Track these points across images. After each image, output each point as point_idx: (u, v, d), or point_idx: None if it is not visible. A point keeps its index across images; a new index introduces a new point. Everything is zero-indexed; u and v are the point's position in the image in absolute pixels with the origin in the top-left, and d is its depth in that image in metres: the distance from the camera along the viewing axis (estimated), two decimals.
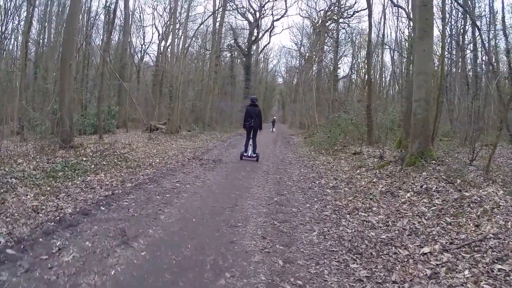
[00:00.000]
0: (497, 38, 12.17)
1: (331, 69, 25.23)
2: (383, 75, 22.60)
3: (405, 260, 3.02)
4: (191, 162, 8.07)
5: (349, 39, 22.54)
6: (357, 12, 24.33)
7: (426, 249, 3.18)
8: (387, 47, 18.96)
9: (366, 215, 4.28)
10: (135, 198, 4.53)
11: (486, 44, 11.86)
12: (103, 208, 3.96)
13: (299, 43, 32.38)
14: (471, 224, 3.56)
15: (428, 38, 5.84)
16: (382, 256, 3.06)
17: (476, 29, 10.51)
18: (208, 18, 21.45)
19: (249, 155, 8.64)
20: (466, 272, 2.76)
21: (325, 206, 4.67)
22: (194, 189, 5.29)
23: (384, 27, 32.34)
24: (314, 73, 22.78)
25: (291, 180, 6.63)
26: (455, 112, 12.39)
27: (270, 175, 7.08)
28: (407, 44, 14.07)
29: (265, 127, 14.74)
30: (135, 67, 24.21)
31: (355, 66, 23.63)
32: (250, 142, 8.66)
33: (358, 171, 7.45)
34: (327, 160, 9.61)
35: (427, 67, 5.87)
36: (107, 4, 15.27)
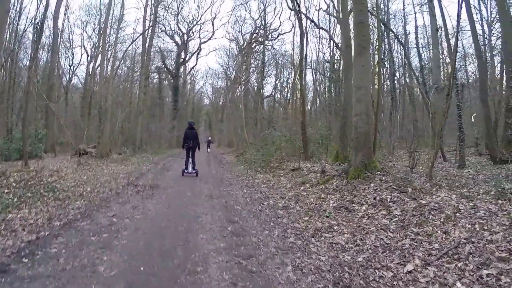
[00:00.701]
0: (409, 56, 14.11)
1: (255, 89, 25.95)
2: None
3: (394, 283, 2.74)
4: (125, 189, 7.17)
5: (273, 61, 23.64)
6: (282, 34, 26.10)
7: (409, 267, 2.97)
8: (309, 67, 20.29)
9: (331, 236, 3.97)
10: (66, 241, 3.58)
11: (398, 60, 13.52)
12: (26, 260, 3.02)
13: (225, 65, 33.62)
14: (439, 232, 3.52)
15: (365, 53, 6.09)
16: (371, 284, 2.72)
17: (401, 46, 11.87)
18: (137, 38, 21.85)
19: (190, 171, 9.59)
20: (459, 284, 2.61)
21: (286, 231, 4.22)
22: (135, 224, 4.39)
23: (306, 49, 35.06)
24: (242, 92, 23.03)
25: (238, 204, 6.07)
26: (380, 124, 13.66)
27: (214, 199, 6.45)
28: (328, 64, 15.21)
29: (202, 146, 14.60)
30: (63, 89, 23.58)
31: (278, 85, 24.71)
32: (190, 160, 9.62)
33: (302, 187, 7.30)
34: (266, 178, 9.36)
35: (366, 82, 6.10)
36: (36, 21, 14.63)
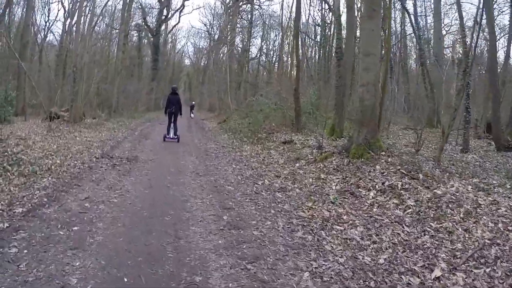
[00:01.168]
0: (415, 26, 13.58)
1: (239, 51, 24.77)
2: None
3: None
4: (99, 162, 6.65)
5: (260, 21, 22.43)
6: None
7: (437, 272, 2.77)
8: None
9: (343, 228, 3.72)
10: (28, 237, 3.07)
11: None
12: None
13: (209, 24, 32.54)
14: (460, 229, 3.35)
15: (377, 17, 5.57)
16: None
17: (407, 14, 11.29)
18: None
19: (171, 137, 10.09)
20: None
21: (291, 222, 3.94)
22: (112, 212, 3.93)
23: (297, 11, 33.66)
24: (226, 54, 21.87)
25: (229, 183, 5.73)
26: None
27: (201, 176, 6.09)
28: (319, 29, 14.41)
29: (185, 112, 14.32)
30: (38, 47, 22.56)
31: (264, 48, 23.70)
32: (172, 126, 10.11)
33: (297, 164, 7.01)
34: (255, 151, 9.03)
35: (376, 48, 5.65)
36: None
